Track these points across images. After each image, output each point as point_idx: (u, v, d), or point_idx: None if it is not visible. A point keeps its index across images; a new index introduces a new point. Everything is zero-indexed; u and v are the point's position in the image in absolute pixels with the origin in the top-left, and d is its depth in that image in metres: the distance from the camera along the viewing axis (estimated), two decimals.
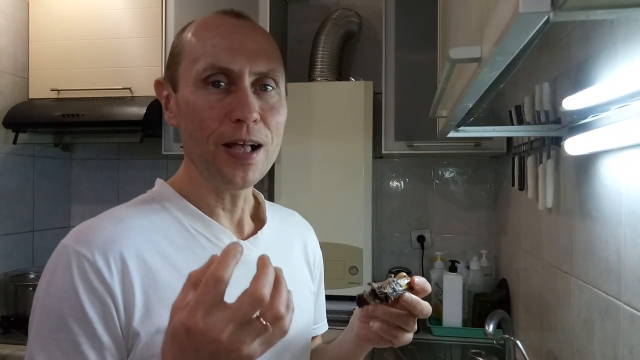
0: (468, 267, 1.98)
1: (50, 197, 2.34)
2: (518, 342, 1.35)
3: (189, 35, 0.68)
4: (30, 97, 2.16)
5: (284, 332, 0.49)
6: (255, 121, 0.63)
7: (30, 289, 1.92)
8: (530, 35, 0.41)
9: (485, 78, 0.56)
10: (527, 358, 1.30)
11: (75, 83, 2.11)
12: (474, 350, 1.66)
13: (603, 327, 0.90)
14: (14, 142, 2.05)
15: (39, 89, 2.15)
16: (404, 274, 0.69)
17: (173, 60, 0.69)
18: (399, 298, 0.65)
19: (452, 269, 1.90)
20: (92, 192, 2.46)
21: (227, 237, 0.69)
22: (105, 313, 0.58)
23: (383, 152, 1.94)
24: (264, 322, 0.47)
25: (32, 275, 2.03)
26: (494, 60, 0.48)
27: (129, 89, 2.08)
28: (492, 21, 0.47)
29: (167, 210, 0.68)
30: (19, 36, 2.14)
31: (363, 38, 2.26)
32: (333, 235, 1.93)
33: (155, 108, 2.01)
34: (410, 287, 0.67)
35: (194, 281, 0.48)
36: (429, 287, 0.68)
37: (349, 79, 2.11)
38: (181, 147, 1.99)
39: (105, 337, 0.58)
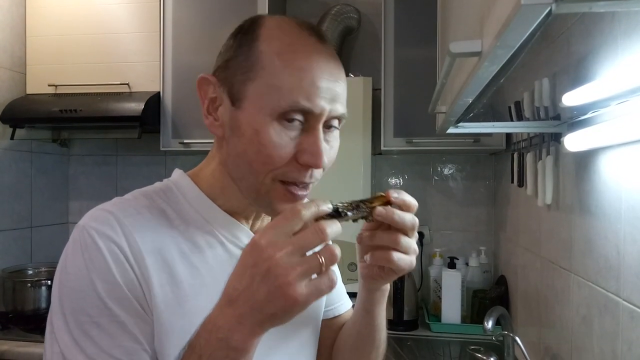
0: (467, 264, 1.98)
1: (48, 193, 2.33)
2: (517, 339, 1.35)
3: (271, 52, 0.60)
4: (28, 92, 2.15)
5: (332, 283, 0.52)
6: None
7: (29, 285, 1.92)
8: (532, 28, 0.40)
9: (485, 72, 0.56)
10: (526, 354, 1.30)
11: (73, 78, 2.10)
12: (472, 347, 1.66)
13: (602, 323, 0.90)
14: (12, 138, 2.04)
15: (37, 85, 2.13)
16: (381, 193, 0.62)
17: (240, 69, 0.61)
18: (372, 214, 0.59)
19: (451, 265, 1.90)
20: (90, 188, 2.45)
21: (245, 235, 0.68)
22: (138, 293, 0.58)
23: (382, 148, 1.94)
24: (320, 259, 0.51)
25: (30, 272, 2.02)
26: (494, 54, 0.48)
27: (127, 84, 2.07)
28: (493, 14, 0.46)
29: (187, 205, 0.66)
30: (15, 31, 2.12)
31: (362, 34, 2.25)
32: None
33: (153, 104, 2.00)
34: (388, 203, 0.61)
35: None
36: (412, 201, 0.63)
37: (348, 75, 2.10)
38: (180, 142, 2.00)
39: (143, 314, 0.58)
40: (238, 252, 0.66)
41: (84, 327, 0.56)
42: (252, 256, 0.52)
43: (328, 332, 0.85)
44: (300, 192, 0.63)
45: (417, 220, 0.63)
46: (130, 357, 0.56)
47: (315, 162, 0.60)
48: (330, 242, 0.54)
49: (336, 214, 0.57)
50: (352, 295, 2.07)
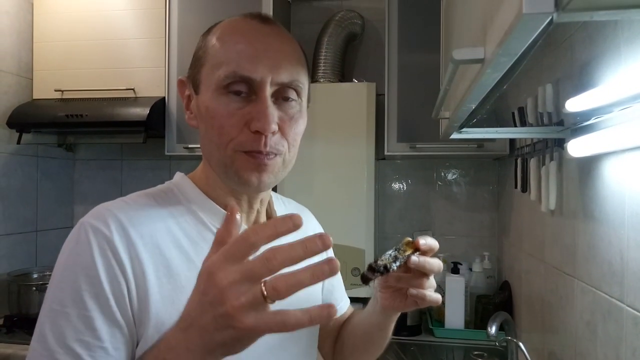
0: (470, 269, 1.97)
1: (53, 197, 2.34)
2: (520, 344, 1.35)
3: (213, 38, 0.67)
4: (34, 97, 2.17)
5: (279, 321, 0.45)
6: (273, 133, 0.64)
7: (34, 288, 1.93)
8: (534, 36, 0.41)
9: (488, 79, 0.56)
10: None
11: (79, 83, 2.12)
12: (476, 352, 1.66)
13: (606, 329, 0.90)
14: (18, 142, 2.06)
15: (43, 90, 2.15)
16: (409, 239, 0.69)
17: (196, 62, 0.69)
18: (406, 262, 0.66)
19: (455, 270, 1.89)
20: (95, 193, 2.47)
21: (242, 230, 0.70)
22: (119, 293, 0.59)
23: (385, 153, 1.94)
24: (264, 290, 0.45)
25: (35, 275, 2.03)
26: (497, 61, 0.48)
27: (133, 89, 2.08)
28: (495, 22, 0.47)
29: (185, 202, 0.69)
30: (23, 37, 2.15)
31: (366, 39, 2.26)
32: (335, 237, 1.91)
33: (158, 109, 2.01)
34: (417, 249, 0.67)
35: (220, 240, 0.51)
36: (435, 244, 0.69)
37: (351, 81, 2.11)
38: (184, 147, 2.01)
39: (118, 316, 0.58)
40: None
41: (55, 315, 0.57)
42: (203, 282, 0.48)
43: (328, 330, 0.89)
44: (262, 159, 0.65)
45: (442, 264, 0.70)
46: (89, 352, 0.57)
47: (262, 126, 0.62)
48: (298, 268, 0.47)
49: (385, 270, 0.64)
50: (354, 300, 2.08)
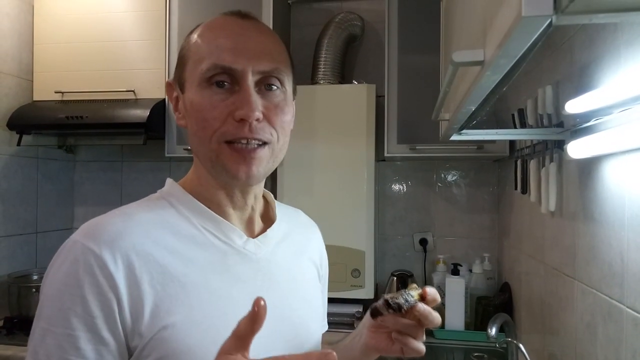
0: (470, 271, 1.97)
1: (53, 198, 2.34)
2: (521, 346, 1.35)
3: (195, 37, 0.69)
4: (35, 99, 2.17)
5: None
6: (258, 120, 0.64)
7: (34, 290, 1.93)
8: (533, 39, 0.41)
9: (488, 81, 0.56)
10: None
11: (79, 85, 2.12)
12: (476, 354, 1.66)
13: (606, 330, 0.90)
14: (18, 144, 2.06)
15: (43, 91, 2.15)
16: (415, 285, 0.70)
17: (180, 62, 0.70)
18: (412, 308, 0.67)
19: (455, 272, 1.89)
20: (95, 194, 2.47)
21: (236, 234, 0.70)
22: (107, 309, 0.58)
23: (385, 155, 1.94)
24: None
25: (35, 277, 2.03)
26: (497, 63, 0.48)
27: (133, 91, 2.08)
28: (495, 25, 0.47)
29: (177, 209, 0.69)
30: (23, 39, 2.15)
31: (366, 41, 2.27)
32: (335, 238, 1.92)
33: (158, 110, 2.01)
34: (422, 298, 0.68)
35: (242, 334, 0.50)
36: (439, 298, 0.70)
37: (351, 82, 2.12)
38: (184, 149, 2.01)
39: (105, 333, 0.58)
40: (230, 251, 0.68)
41: (44, 333, 0.58)
42: None
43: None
44: (245, 148, 0.64)
45: (440, 319, 0.70)
46: None
47: (245, 113, 0.63)
48: None
49: (398, 309, 0.65)
50: (352, 301, 2.07)
